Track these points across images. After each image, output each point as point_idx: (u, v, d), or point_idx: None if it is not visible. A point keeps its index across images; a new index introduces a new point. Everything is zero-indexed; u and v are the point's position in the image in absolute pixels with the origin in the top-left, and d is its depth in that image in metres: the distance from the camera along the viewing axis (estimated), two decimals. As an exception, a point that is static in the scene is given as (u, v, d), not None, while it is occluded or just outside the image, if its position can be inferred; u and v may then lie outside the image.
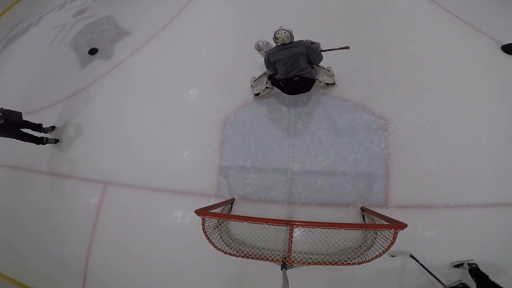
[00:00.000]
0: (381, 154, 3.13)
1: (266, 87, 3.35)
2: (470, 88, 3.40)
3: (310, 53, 2.83)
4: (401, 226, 2.01)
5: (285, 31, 2.72)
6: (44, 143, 3.91)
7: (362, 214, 2.92)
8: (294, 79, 2.93)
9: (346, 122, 3.29)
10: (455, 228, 2.90)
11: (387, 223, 2.26)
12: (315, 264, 2.15)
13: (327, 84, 3.39)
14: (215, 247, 2.25)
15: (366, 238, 2.52)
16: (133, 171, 3.51)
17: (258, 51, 3.39)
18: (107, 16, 5.32)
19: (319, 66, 3.20)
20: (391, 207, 2.96)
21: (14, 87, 5.10)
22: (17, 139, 3.69)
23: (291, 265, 2.08)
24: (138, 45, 4.48)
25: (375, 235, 2.36)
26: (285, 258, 2.09)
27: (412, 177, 2.99)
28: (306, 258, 2.14)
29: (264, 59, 3.00)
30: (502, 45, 3.59)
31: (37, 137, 3.85)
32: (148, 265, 3.21)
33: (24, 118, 3.90)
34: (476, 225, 2.89)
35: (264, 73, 3.37)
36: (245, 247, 2.45)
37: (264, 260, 2.13)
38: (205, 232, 2.20)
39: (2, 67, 5.74)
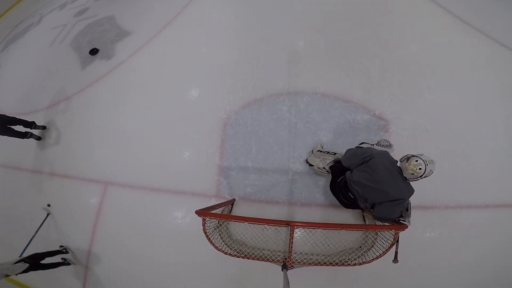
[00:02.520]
0: (382, 155, 3.12)
1: (324, 168, 2.88)
2: (471, 88, 3.41)
3: (391, 206, 2.13)
4: (402, 227, 2.01)
5: (421, 167, 1.94)
6: (28, 138, 3.95)
7: (363, 215, 2.92)
8: (350, 194, 2.42)
9: (346, 123, 3.29)
10: (456, 229, 2.90)
11: (387, 224, 2.26)
12: (315, 265, 2.15)
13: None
14: (216, 247, 2.25)
15: (366, 239, 2.51)
16: (134, 172, 3.52)
17: (373, 144, 2.90)
18: (108, 16, 5.32)
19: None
20: (392, 207, 2.95)
21: (15, 87, 5.11)
22: (2, 135, 3.73)
23: (291, 266, 2.08)
24: (138, 45, 4.48)
25: (376, 236, 2.36)
26: (286, 259, 2.09)
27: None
28: (306, 259, 2.14)
29: (367, 151, 2.32)
30: None
31: (21, 132, 3.89)
32: (148, 266, 3.22)
33: (24, 118, 3.93)
34: (476, 226, 2.89)
35: (335, 154, 2.86)
36: (245, 248, 2.45)
37: (265, 261, 2.13)
38: (205, 233, 2.19)
39: (3, 67, 5.75)
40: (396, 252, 2.06)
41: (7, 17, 8.08)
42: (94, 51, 4.72)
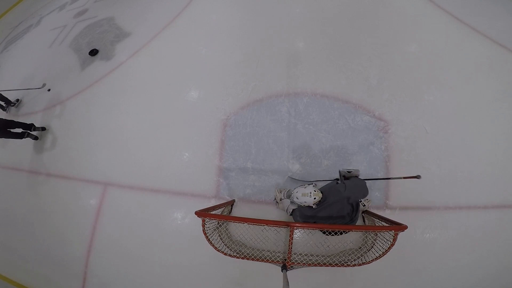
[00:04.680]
0: (381, 156, 3.13)
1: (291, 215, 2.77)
2: (470, 89, 3.42)
3: (353, 199, 2.30)
4: (401, 227, 2.02)
5: (318, 194, 2.19)
6: (25, 137, 3.97)
7: (362, 216, 2.92)
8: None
9: (346, 124, 3.29)
10: (455, 229, 2.91)
11: (387, 224, 2.27)
12: (315, 265, 2.16)
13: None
14: (215, 248, 2.25)
15: (366, 239, 2.52)
16: (133, 173, 3.51)
17: (279, 200, 2.91)
18: (107, 18, 5.32)
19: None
20: (391, 208, 2.96)
21: (14, 88, 5.09)
22: (1, 137, 3.77)
23: (291, 267, 2.08)
24: (138, 47, 4.48)
25: (375, 237, 2.36)
26: (285, 259, 2.09)
27: (412, 179, 2.99)
28: (306, 259, 2.15)
29: (297, 214, 2.42)
30: None
31: (18, 132, 3.91)
32: (148, 267, 3.21)
33: (24, 119, 3.93)
34: (476, 226, 2.90)
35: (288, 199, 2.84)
36: (245, 249, 2.45)
37: (264, 262, 2.14)
38: (205, 234, 2.19)
39: (3, 68, 5.74)
40: (406, 177, 2.35)
41: (7, 18, 8.06)
42: (93, 52, 4.72)
